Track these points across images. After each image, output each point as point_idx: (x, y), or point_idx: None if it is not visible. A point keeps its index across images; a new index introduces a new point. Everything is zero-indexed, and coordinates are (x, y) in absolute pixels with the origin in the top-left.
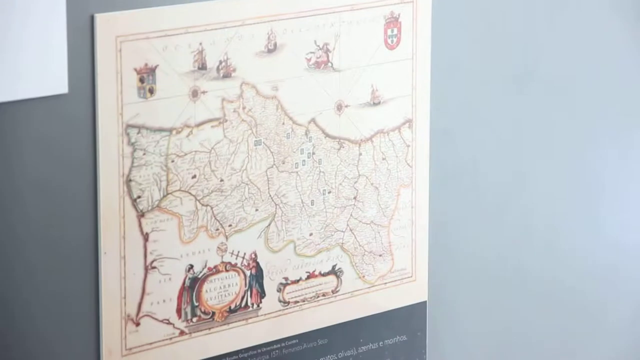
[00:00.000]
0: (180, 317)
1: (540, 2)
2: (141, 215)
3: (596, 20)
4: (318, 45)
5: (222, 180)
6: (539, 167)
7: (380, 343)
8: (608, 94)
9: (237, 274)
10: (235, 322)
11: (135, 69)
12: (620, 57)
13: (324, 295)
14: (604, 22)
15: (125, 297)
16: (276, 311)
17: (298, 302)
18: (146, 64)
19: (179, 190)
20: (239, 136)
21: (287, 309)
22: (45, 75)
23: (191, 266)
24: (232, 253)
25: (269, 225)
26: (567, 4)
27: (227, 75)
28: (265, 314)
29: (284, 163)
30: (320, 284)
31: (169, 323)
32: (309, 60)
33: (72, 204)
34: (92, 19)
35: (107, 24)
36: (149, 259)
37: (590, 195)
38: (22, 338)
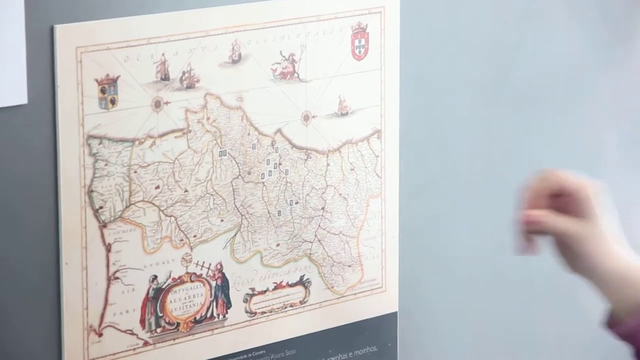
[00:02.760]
0: (144, 327)
1: (508, 13)
2: (103, 226)
3: (562, 31)
4: (284, 56)
5: (186, 191)
6: (509, 176)
7: (350, 354)
8: (575, 103)
9: (202, 284)
10: (201, 332)
11: (97, 80)
12: (585, 68)
13: (291, 305)
14: (570, 33)
15: (87, 308)
16: (243, 322)
17: (265, 312)
18: (107, 75)
19: (142, 200)
20: (203, 147)
21: (254, 319)
22: (3, 85)
23: (155, 277)
24: (197, 264)
25: (235, 235)
26: (533, 15)
27: (190, 86)
28: (231, 325)
29: (249, 174)
30: (288, 295)
31: (132, 334)
32: (275, 70)
33: (33, 215)
34: (51, 29)
35: (67, 35)
36: (112, 269)
37: None
38: None
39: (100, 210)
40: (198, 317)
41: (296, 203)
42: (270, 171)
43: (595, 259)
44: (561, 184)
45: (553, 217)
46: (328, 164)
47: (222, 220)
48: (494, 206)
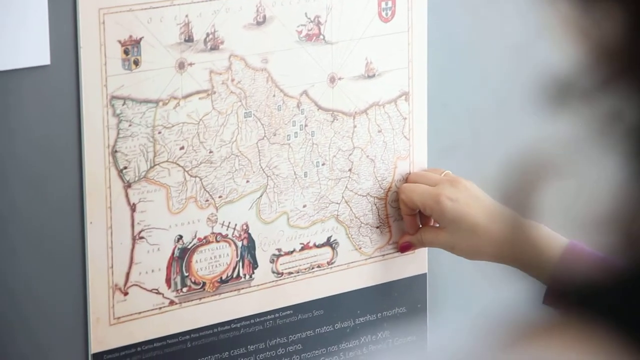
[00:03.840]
0: (169, 287)
1: None
2: (128, 186)
3: None
4: (309, 18)
5: (211, 152)
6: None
7: (379, 314)
8: None
9: (228, 244)
10: (227, 292)
11: (120, 41)
12: None
13: (319, 266)
14: None
15: (112, 267)
16: (269, 282)
17: (292, 273)
18: (130, 36)
19: (167, 161)
20: (228, 108)
21: (280, 280)
22: (26, 46)
23: (180, 237)
24: (222, 224)
25: (261, 196)
26: None
27: (214, 48)
28: (258, 285)
29: (275, 135)
30: (315, 256)
31: (158, 293)
32: (300, 32)
33: (57, 175)
34: None
35: None
36: (137, 229)
37: None
38: (10, 307)
39: (124, 171)
40: (224, 277)
41: (323, 164)
42: (296, 132)
43: (486, 251)
44: (411, 205)
45: (422, 238)
46: (355, 126)
47: (247, 181)
48: None
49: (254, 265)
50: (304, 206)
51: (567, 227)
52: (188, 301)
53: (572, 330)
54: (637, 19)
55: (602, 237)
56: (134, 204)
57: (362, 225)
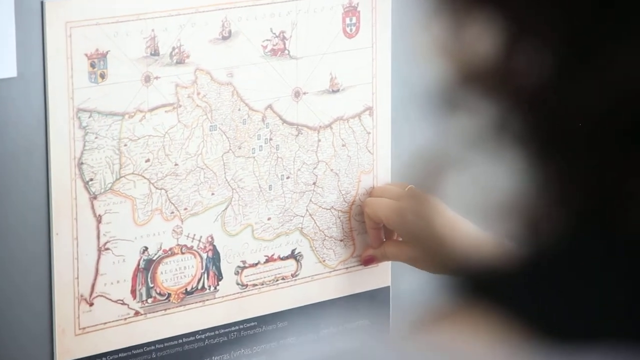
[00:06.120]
0: (135, 298)
1: None
2: (94, 197)
3: None
4: (274, 33)
5: (176, 165)
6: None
7: (342, 327)
8: None
9: (193, 256)
10: (192, 303)
11: (86, 54)
12: None
13: (283, 278)
14: None
15: (78, 278)
16: (234, 293)
17: (257, 285)
18: (97, 50)
19: (133, 173)
20: (193, 121)
21: (245, 291)
22: None
23: (146, 248)
24: (187, 236)
25: (226, 209)
26: None
27: (180, 62)
28: (222, 296)
29: (240, 148)
30: (280, 268)
31: (123, 304)
32: (265, 47)
33: (23, 187)
34: (41, 4)
35: (57, 10)
36: (102, 240)
37: None
38: None
39: (90, 182)
40: (189, 288)
41: (287, 178)
42: (261, 146)
43: (448, 265)
44: (375, 218)
45: (385, 252)
46: (319, 140)
47: (212, 194)
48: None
49: (219, 276)
50: (269, 219)
51: (470, 215)
52: (153, 312)
53: (474, 317)
54: (508, 40)
55: (503, 225)
56: (99, 215)
57: (326, 238)
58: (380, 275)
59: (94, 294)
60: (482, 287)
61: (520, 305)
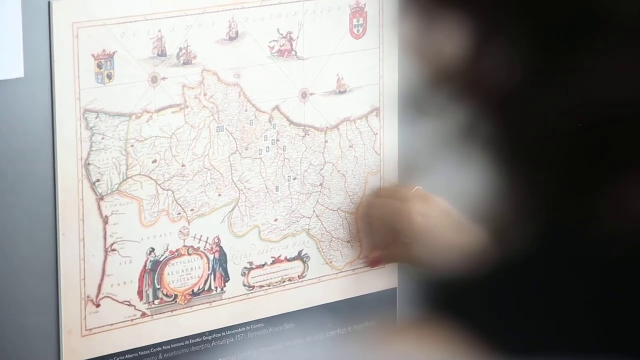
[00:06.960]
0: (142, 299)
1: None
2: (100, 198)
3: None
4: (281, 34)
5: (183, 166)
6: None
7: (349, 328)
8: None
9: (200, 258)
10: (199, 305)
11: (93, 55)
12: None
13: (290, 280)
14: None
15: (84, 279)
16: (241, 295)
17: (263, 286)
18: (104, 50)
19: (139, 174)
20: (200, 122)
21: (252, 293)
22: (0, 59)
23: (152, 249)
24: (194, 237)
25: (233, 210)
26: None
27: (187, 62)
28: (229, 298)
29: (247, 149)
30: (286, 269)
31: (130, 305)
32: (272, 48)
33: (30, 188)
34: (49, 5)
35: (64, 10)
36: (109, 241)
37: None
38: None
39: (97, 183)
40: (196, 289)
41: (294, 179)
42: (268, 147)
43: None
44: (382, 220)
45: (392, 254)
46: (326, 141)
47: (219, 195)
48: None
49: (226, 278)
50: (276, 220)
51: None
52: (160, 313)
53: (437, 328)
54: (478, 43)
55: (470, 234)
56: (106, 216)
57: (333, 239)
58: (387, 277)
59: (101, 295)
60: (450, 298)
61: (480, 318)
